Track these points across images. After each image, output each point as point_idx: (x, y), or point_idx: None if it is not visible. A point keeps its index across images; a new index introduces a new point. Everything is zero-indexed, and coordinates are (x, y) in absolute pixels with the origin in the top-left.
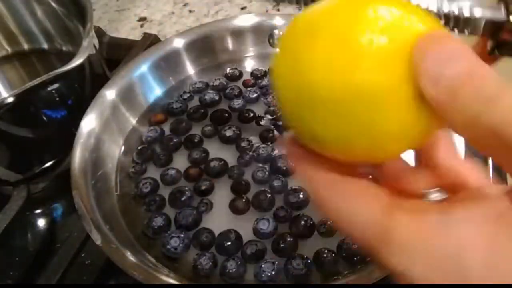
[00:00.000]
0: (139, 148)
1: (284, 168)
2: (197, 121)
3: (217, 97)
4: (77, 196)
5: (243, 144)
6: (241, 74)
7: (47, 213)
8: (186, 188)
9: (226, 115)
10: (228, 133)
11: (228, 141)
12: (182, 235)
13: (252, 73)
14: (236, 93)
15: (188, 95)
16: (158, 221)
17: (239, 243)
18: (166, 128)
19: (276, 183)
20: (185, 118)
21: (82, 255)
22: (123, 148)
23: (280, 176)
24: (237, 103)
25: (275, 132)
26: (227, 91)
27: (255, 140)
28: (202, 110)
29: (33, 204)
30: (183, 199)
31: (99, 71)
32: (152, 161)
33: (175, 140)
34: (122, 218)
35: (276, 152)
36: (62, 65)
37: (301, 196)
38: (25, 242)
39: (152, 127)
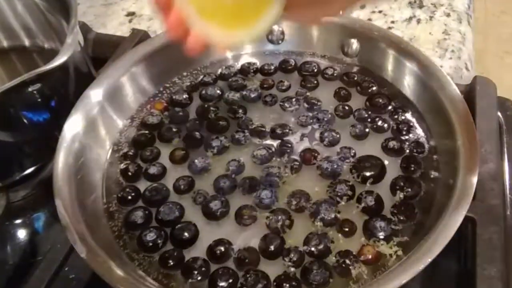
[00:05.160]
0: (128, 152)
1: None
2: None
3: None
4: (60, 205)
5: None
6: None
7: (28, 223)
8: (178, 207)
9: (222, 123)
10: (215, 143)
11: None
12: (176, 253)
13: (241, 69)
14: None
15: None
16: (151, 236)
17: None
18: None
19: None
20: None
21: (66, 268)
22: (110, 152)
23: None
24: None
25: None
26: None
27: (243, 159)
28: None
29: (12, 214)
30: (174, 216)
31: (84, 70)
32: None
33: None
34: (110, 229)
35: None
36: (44, 63)
37: None
38: (4, 255)
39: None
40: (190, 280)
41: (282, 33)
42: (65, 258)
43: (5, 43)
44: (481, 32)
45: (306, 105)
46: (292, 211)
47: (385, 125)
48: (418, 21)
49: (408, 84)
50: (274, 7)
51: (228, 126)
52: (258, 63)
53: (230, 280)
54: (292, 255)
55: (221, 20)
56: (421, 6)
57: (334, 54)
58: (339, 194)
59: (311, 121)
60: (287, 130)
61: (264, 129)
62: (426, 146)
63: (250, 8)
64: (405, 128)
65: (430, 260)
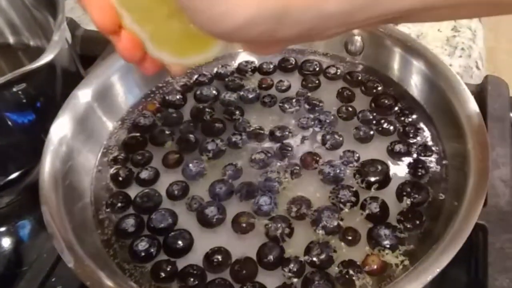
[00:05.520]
0: (118, 156)
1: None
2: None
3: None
4: (46, 212)
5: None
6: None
7: (13, 232)
8: (171, 214)
9: (218, 125)
10: (211, 146)
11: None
12: (168, 263)
13: (238, 68)
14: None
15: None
16: (143, 245)
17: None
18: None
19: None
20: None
21: (53, 279)
22: (99, 156)
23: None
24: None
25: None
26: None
27: (240, 163)
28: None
29: None
30: (167, 224)
31: (72, 68)
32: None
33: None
34: (99, 237)
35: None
36: (30, 62)
37: None
38: None
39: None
40: None
41: None
42: (51, 268)
43: None
44: (492, 29)
45: (307, 106)
46: (292, 219)
47: (391, 128)
48: None
49: (415, 84)
50: (218, 43)
51: (224, 129)
52: (256, 61)
53: None
54: (292, 265)
55: (171, 48)
56: None
57: (337, 52)
58: (342, 200)
59: (313, 123)
60: (287, 133)
61: (262, 131)
62: (434, 149)
63: (196, 41)
64: (412, 131)
65: (438, 270)
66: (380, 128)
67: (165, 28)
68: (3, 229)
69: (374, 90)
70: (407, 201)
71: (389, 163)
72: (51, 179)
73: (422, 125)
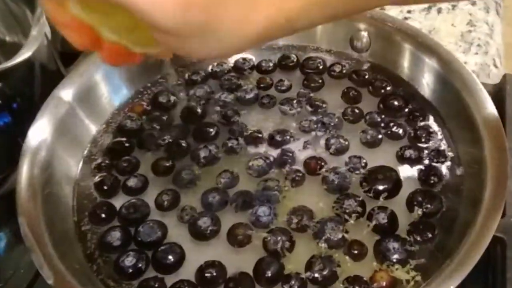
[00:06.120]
0: (102, 163)
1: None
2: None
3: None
4: (24, 224)
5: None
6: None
7: None
8: (160, 226)
9: (212, 130)
10: (204, 152)
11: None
12: (157, 282)
13: (235, 66)
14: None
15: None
16: (129, 260)
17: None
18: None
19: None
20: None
21: None
22: (82, 163)
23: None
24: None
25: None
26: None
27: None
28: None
29: None
30: (156, 237)
31: (51, 66)
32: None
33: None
34: (82, 251)
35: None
36: (6, 59)
37: None
38: None
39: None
40: None
41: None
42: (29, 285)
43: None
44: (511, 23)
45: (309, 108)
46: (293, 231)
47: (401, 131)
48: (439, 10)
49: (427, 84)
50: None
51: (219, 133)
52: (254, 59)
53: None
54: (293, 282)
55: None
56: None
57: (341, 49)
58: (347, 211)
59: (315, 126)
60: (288, 137)
61: (261, 135)
62: (448, 155)
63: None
64: (423, 135)
65: (453, 287)
66: (389, 132)
67: (138, 33)
68: None
69: (383, 90)
70: (419, 212)
71: (399, 170)
72: (29, 187)
73: (434, 128)
